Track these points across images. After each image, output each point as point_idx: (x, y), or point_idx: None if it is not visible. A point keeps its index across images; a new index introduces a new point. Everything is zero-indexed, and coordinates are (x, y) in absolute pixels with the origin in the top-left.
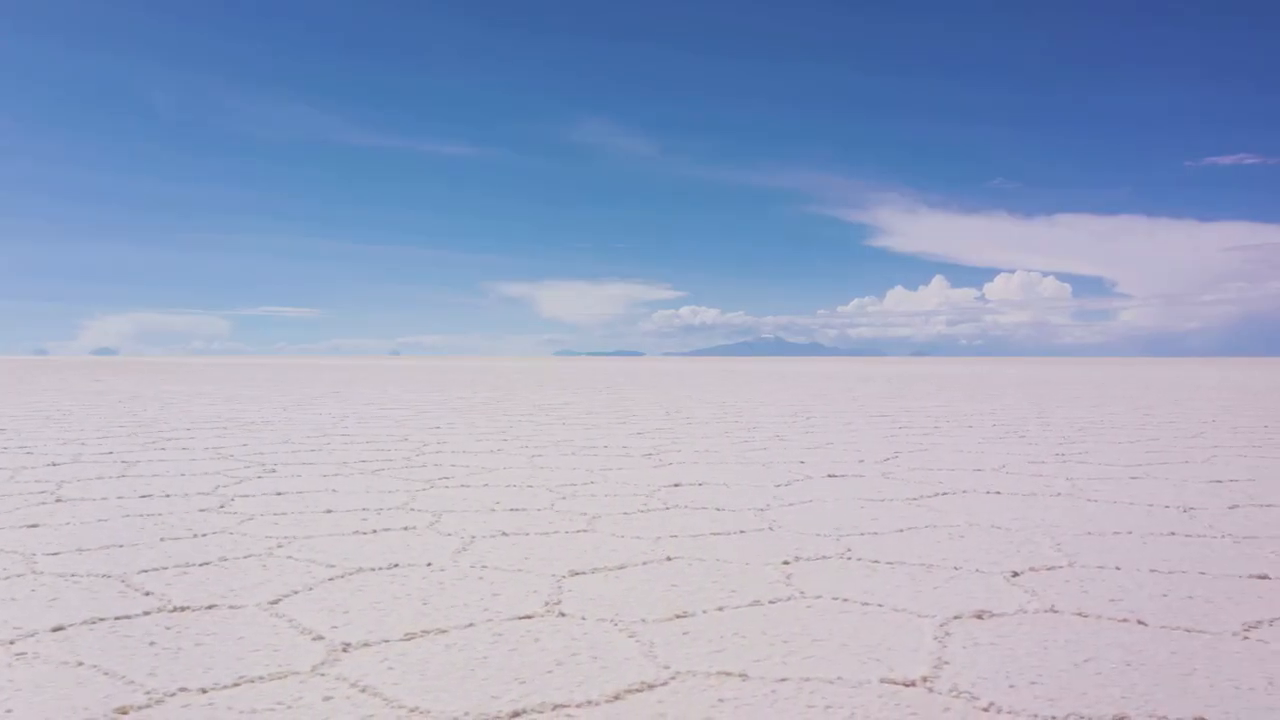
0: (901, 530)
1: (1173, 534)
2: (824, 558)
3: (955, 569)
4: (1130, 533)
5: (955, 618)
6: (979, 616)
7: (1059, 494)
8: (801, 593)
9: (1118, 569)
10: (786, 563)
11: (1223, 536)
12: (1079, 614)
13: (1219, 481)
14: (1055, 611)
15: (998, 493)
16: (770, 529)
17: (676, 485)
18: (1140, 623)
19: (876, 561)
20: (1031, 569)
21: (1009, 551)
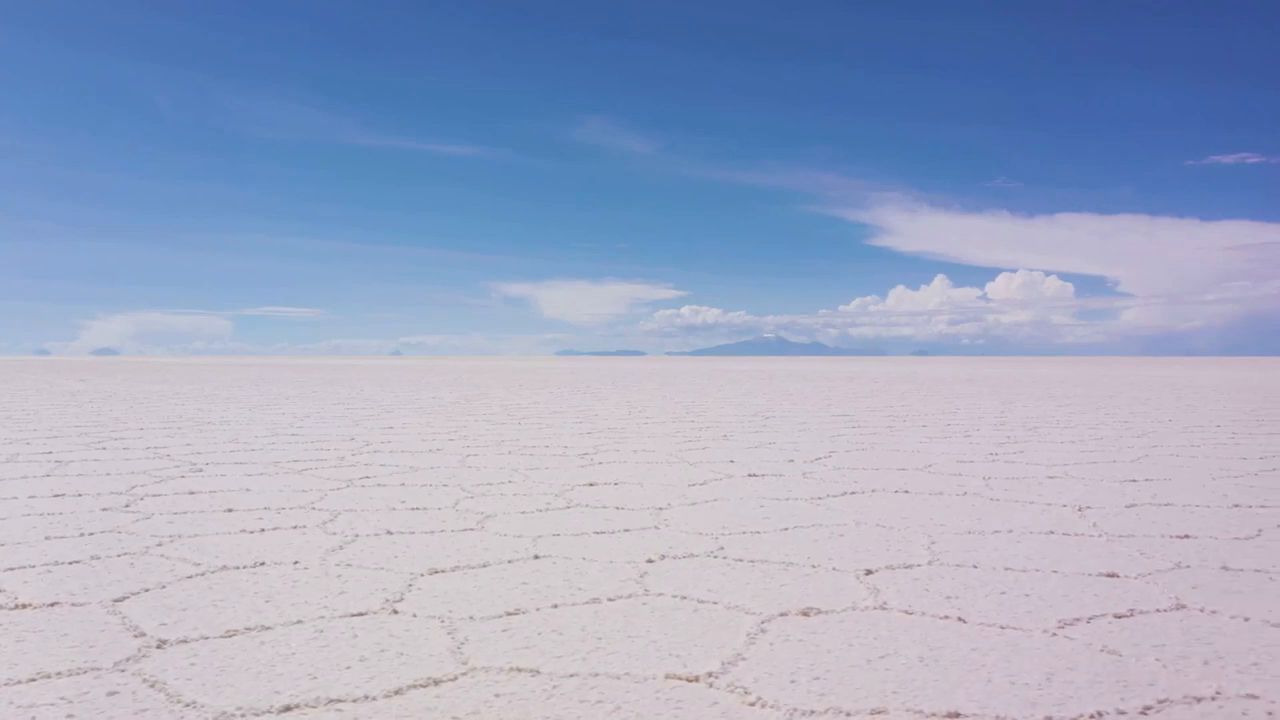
0: (786, 529)
1: (1051, 533)
2: (690, 556)
3: (813, 567)
4: (1010, 531)
5: (780, 615)
6: (805, 614)
7: (966, 493)
8: (646, 591)
9: (975, 567)
10: (650, 561)
11: (1100, 535)
12: (905, 611)
13: (1133, 481)
14: (883, 609)
15: (906, 492)
16: (656, 528)
17: (591, 485)
18: (960, 620)
19: (740, 560)
20: (888, 567)
21: (877, 550)
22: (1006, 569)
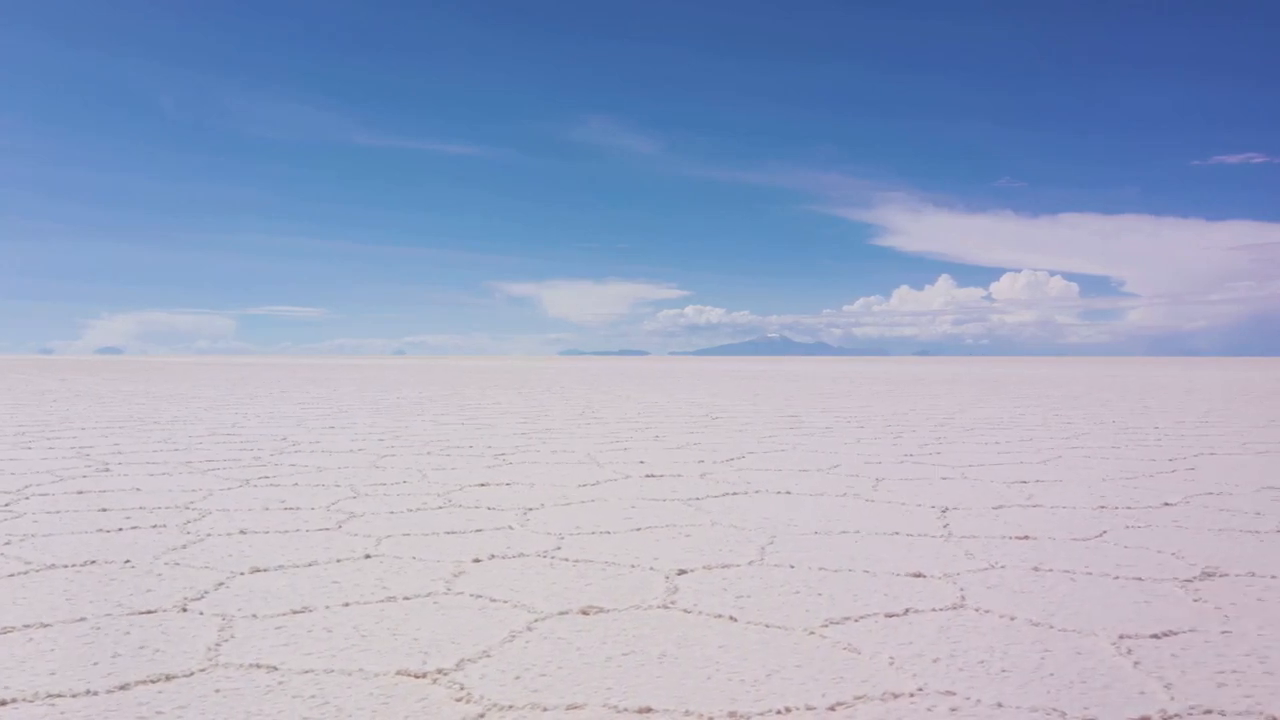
0: (638, 529)
1: (896, 534)
2: (520, 556)
3: (632, 567)
4: (858, 532)
5: (560, 613)
6: (584, 613)
7: (846, 494)
8: (447, 590)
9: (791, 567)
10: (477, 560)
11: (943, 536)
12: (685, 610)
13: (1023, 482)
14: (665, 608)
15: (788, 493)
16: (510, 528)
17: (482, 485)
18: (732, 619)
19: (566, 560)
20: (705, 567)
21: (710, 551)
22: (822, 569)
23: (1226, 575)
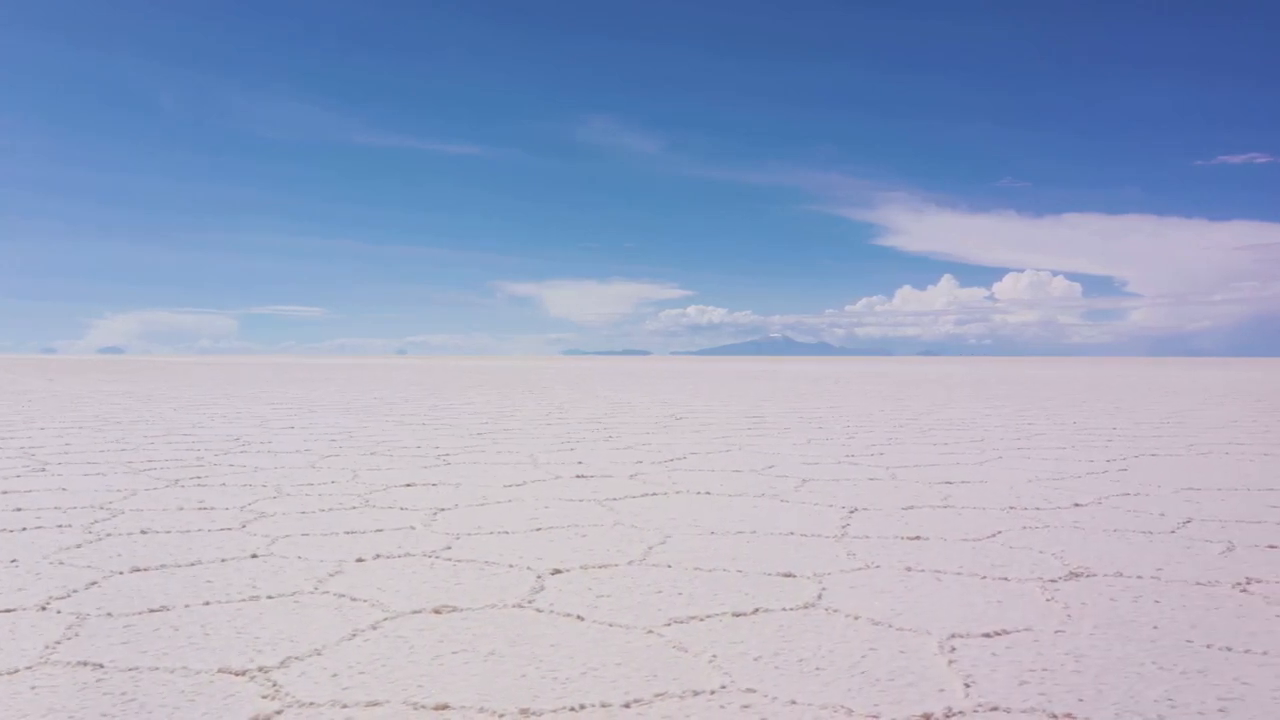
0: (538, 529)
1: (790, 534)
2: (406, 556)
3: (510, 567)
4: (754, 533)
5: (413, 612)
6: (436, 612)
7: (764, 495)
8: (315, 589)
9: (668, 567)
10: (361, 560)
11: (835, 537)
12: (538, 610)
13: (948, 483)
14: (520, 607)
15: (708, 494)
16: (412, 528)
17: (408, 485)
18: (579, 618)
19: (450, 560)
20: (582, 567)
21: (595, 550)
22: (698, 569)
23: (1094, 575)
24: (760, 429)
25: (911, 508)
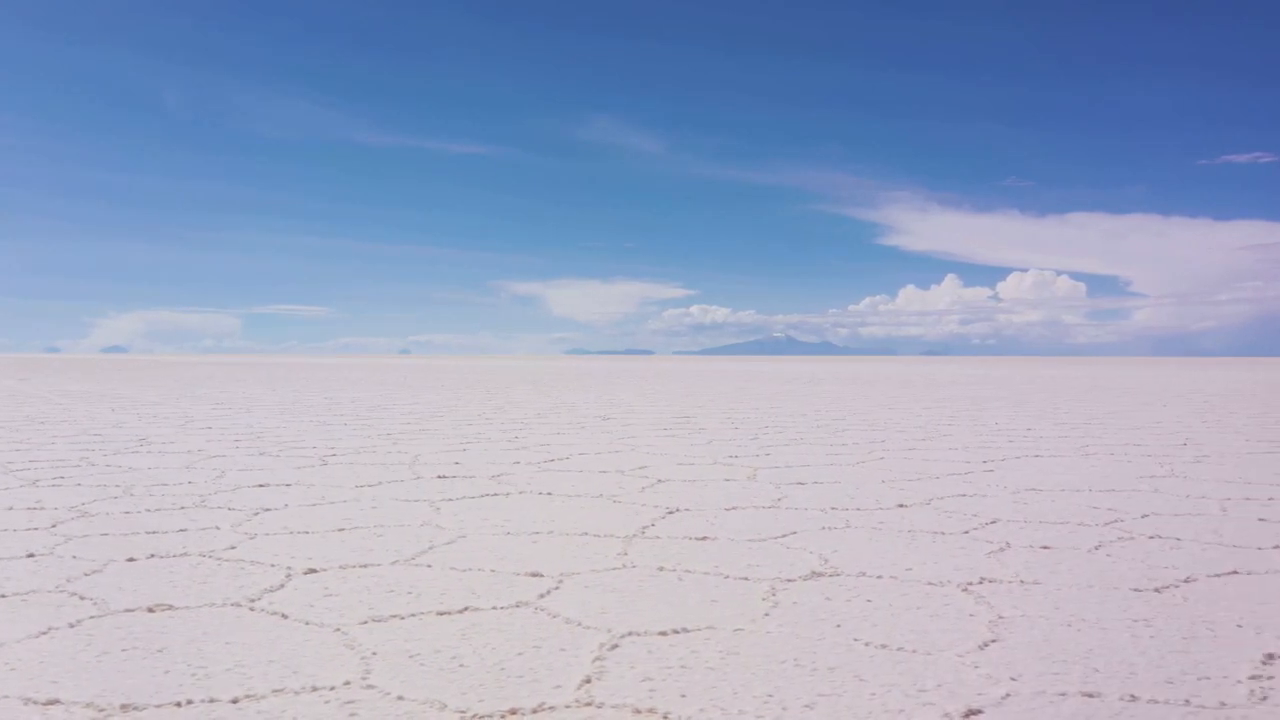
0: (342, 530)
1: (585, 534)
2: (182, 555)
3: (271, 566)
4: (551, 533)
5: (126, 610)
6: (150, 610)
7: (602, 496)
8: (57, 589)
9: (429, 566)
10: (132, 560)
11: (622, 537)
12: (251, 609)
13: (800, 484)
14: (236, 605)
15: (549, 494)
16: (217, 529)
17: (261, 486)
18: (283, 616)
19: (223, 560)
20: (342, 566)
21: (375, 551)
22: (454, 569)
23: (836, 575)
24: (675, 430)
25: (733, 509)
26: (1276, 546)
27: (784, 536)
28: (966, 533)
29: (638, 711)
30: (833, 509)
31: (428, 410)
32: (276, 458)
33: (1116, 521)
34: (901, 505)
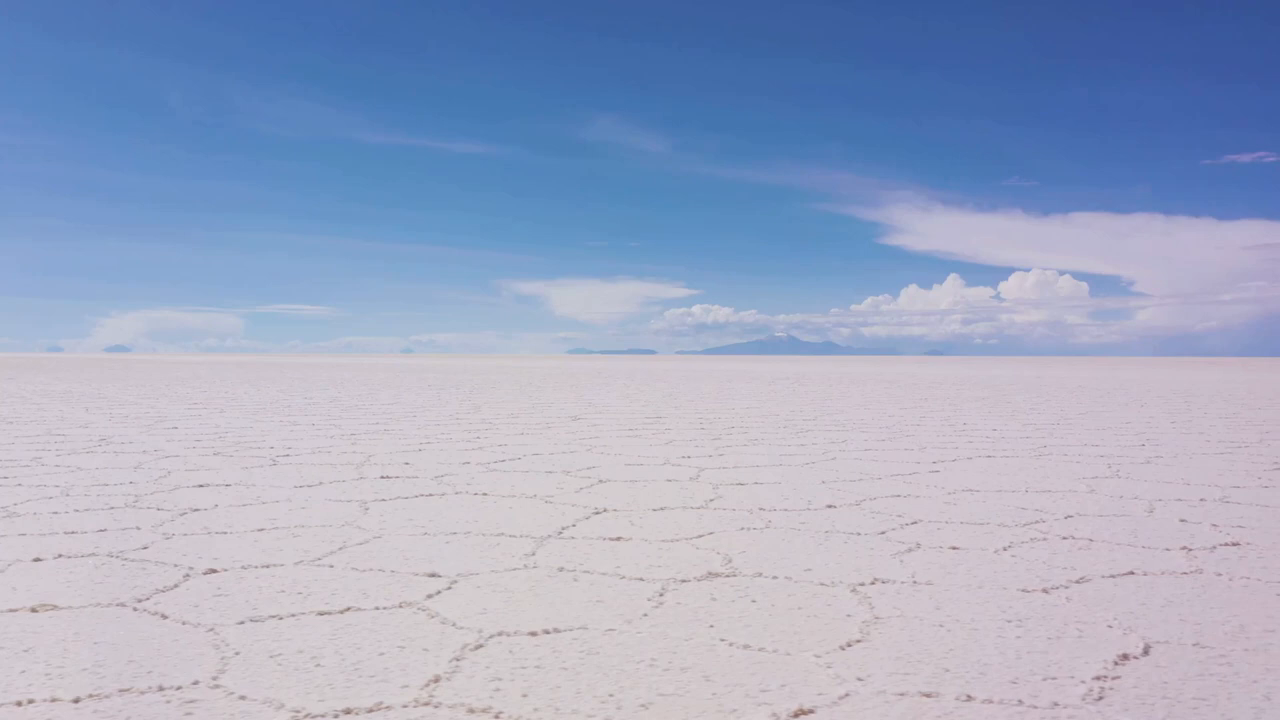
0: (261, 530)
1: (501, 534)
2: (91, 555)
3: (174, 566)
4: (469, 533)
5: (9, 611)
6: (33, 610)
7: (535, 497)
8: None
9: (331, 566)
10: (39, 560)
11: (538, 538)
12: (135, 609)
13: (759, 484)
14: (120, 605)
15: (485, 494)
16: (138, 528)
17: (201, 486)
18: (164, 617)
19: (120, 559)
20: (243, 566)
21: (284, 550)
22: (354, 569)
23: (733, 576)
24: (641, 430)
25: (663, 509)
26: (1183, 547)
27: (699, 537)
28: (883, 533)
29: (472, 711)
30: (760, 510)
31: (403, 410)
32: (229, 458)
33: (1038, 522)
34: (830, 506)
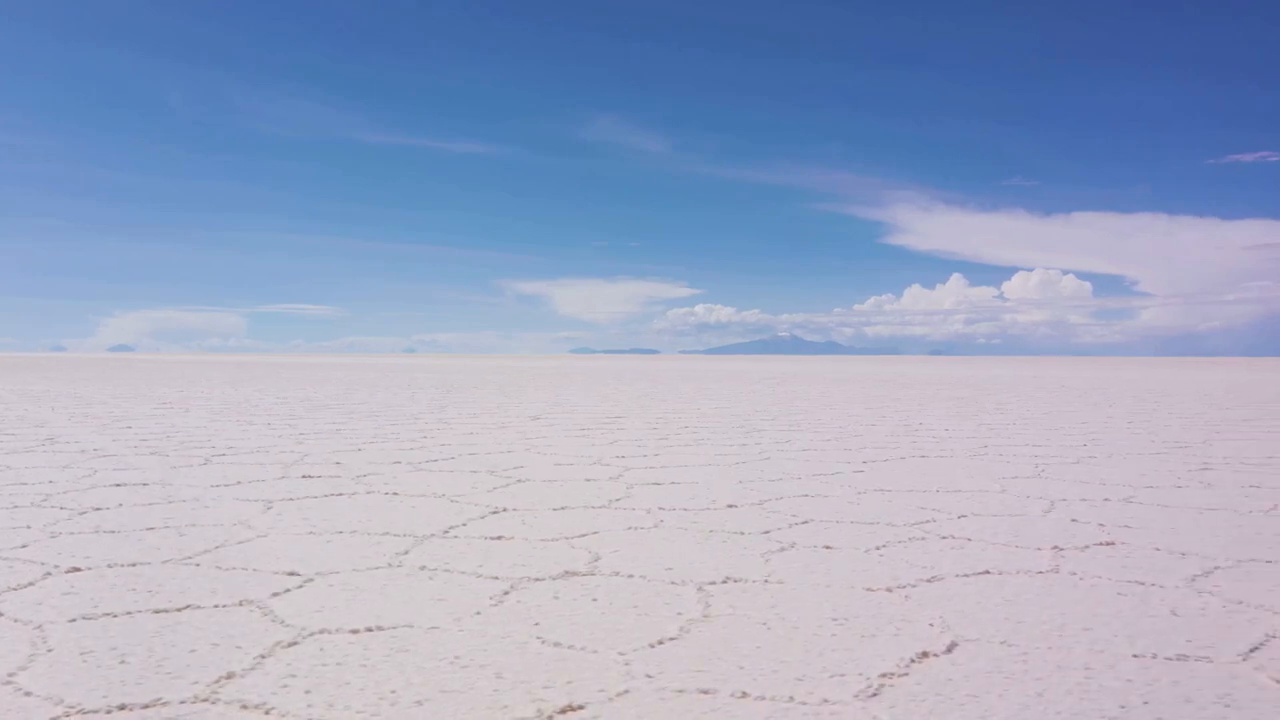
0: (149, 529)
1: (386, 534)
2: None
3: (109, 565)
4: (353, 532)
5: None
6: None
7: (444, 495)
8: None
9: (196, 566)
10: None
11: (419, 537)
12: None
13: (675, 484)
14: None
15: (395, 494)
16: (28, 528)
17: (117, 486)
18: (15, 618)
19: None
20: (109, 565)
21: (161, 549)
22: (218, 568)
23: (590, 575)
24: (592, 430)
25: (563, 509)
26: (1055, 547)
27: (581, 536)
28: (767, 533)
29: (245, 708)
30: (659, 509)
31: (368, 410)
32: (164, 458)
33: (928, 522)
34: (731, 506)
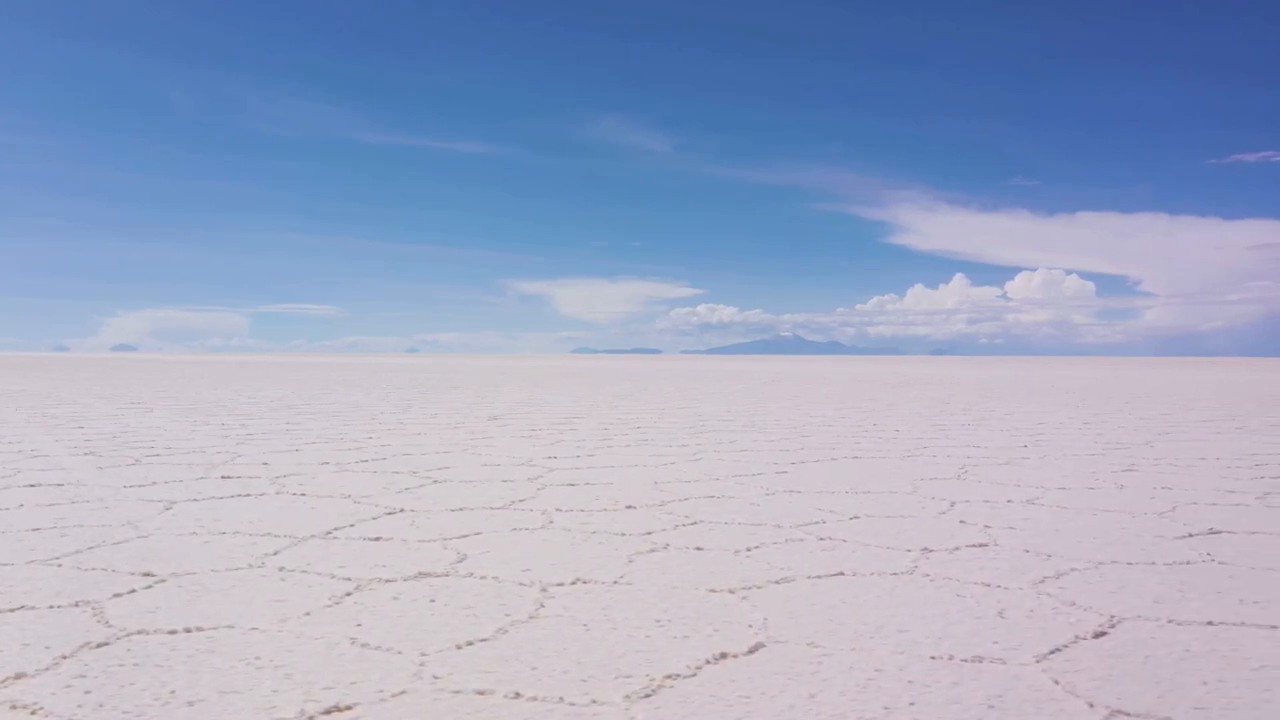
0: (74, 529)
1: (323, 535)
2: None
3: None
4: (267, 535)
5: None
6: None
7: (367, 499)
8: None
9: (85, 568)
10: None
11: (311, 538)
12: None
13: (590, 485)
14: None
15: (314, 494)
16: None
17: (59, 485)
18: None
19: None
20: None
21: (62, 549)
22: (78, 569)
23: (445, 576)
24: (544, 431)
25: (461, 510)
26: (924, 549)
27: (462, 538)
28: (649, 534)
29: (15, 707)
30: (556, 511)
31: (333, 410)
32: (96, 458)
33: (815, 524)
34: (630, 507)
